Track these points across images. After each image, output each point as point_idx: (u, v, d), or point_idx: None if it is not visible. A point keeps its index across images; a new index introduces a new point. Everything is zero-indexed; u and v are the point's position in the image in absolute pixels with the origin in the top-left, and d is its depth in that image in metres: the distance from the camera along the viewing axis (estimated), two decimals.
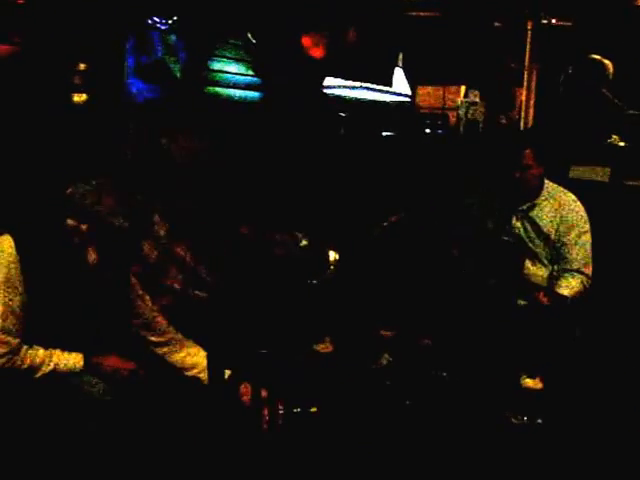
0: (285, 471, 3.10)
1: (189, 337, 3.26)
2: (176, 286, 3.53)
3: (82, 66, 4.24)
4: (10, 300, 2.63)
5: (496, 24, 6.86)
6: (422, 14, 6.75)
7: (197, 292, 3.59)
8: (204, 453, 3.07)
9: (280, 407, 3.10)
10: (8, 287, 2.63)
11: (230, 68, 5.16)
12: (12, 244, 2.66)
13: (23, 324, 2.69)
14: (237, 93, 5.21)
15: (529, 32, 6.85)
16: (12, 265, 2.64)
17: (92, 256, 2.78)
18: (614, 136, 5.74)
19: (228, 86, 5.12)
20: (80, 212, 2.74)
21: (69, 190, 2.78)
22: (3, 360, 2.64)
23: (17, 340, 2.67)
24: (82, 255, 2.75)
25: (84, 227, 2.74)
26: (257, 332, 3.70)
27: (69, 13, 4.10)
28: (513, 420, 3.62)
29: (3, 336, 2.63)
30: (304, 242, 4.21)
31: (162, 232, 3.59)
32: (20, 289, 2.66)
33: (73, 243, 2.74)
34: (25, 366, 2.69)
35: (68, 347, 2.80)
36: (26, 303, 2.68)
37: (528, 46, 6.83)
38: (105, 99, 4.32)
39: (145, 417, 2.95)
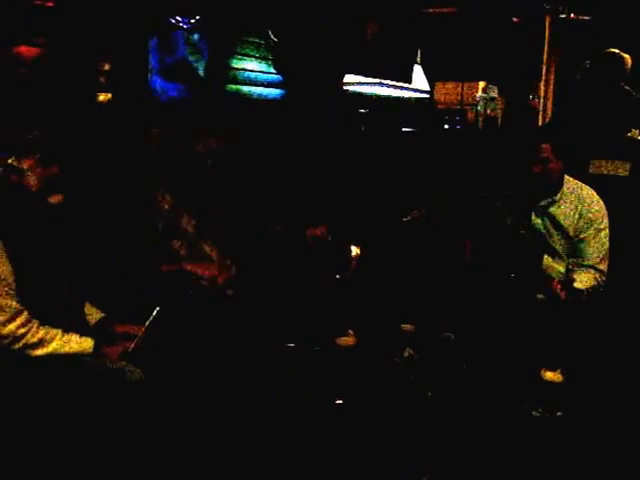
0: (312, 461, 3.16)
1: (215, 333, 3.33)
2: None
3: (106, 66, 4.26)
4: None
5: (514, 19, 6.85)
6: (440, 11, 6.74)
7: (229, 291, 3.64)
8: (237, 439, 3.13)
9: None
10: None
11: (251, 66, 5.20)
12: None
13: (16, 293, 2.72)
14: (258, 91, 5.26)
15: (547, 27, 6.84)
16: None
17: (57, 197, 2.86)
18: (633, 130, 5.72)
19: (249, 84, 5.17)
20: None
21: None
22: (11, 327, 2.67)
23: (17, 305, 2.70)
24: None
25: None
26: (282, 326, 3.76)
27: (93, 14, 4.13)
28: (533, 413, 3.64)
29: (2, 301, 2.66)
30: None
31: (190, 229, 3.65)
32: (4, 258, 2.69)
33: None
34: (34, 340, 2.71)
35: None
36: (13, 272, 2.71)
37: (546, 41, 6.81)
38: (129, 98, 4.36)
39: (178, 403, 3.01)
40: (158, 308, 2.94)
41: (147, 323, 2.94)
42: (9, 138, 2.82)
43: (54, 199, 2.89)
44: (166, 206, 3.60)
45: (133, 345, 2.91)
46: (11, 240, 2.72)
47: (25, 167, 2.81)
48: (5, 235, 2.71)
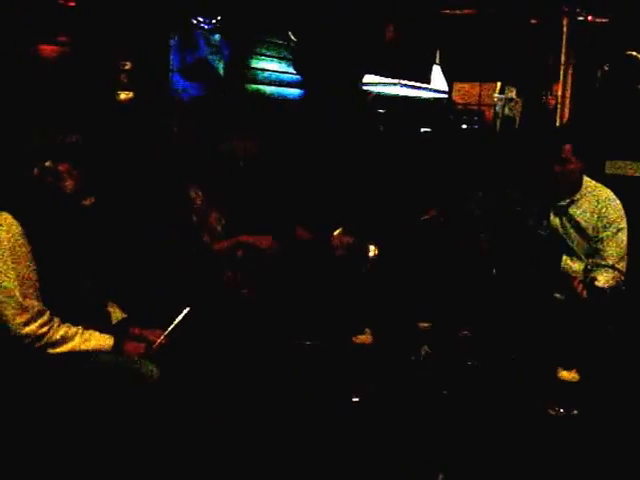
0: (329, 457, 3.19)
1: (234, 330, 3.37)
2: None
3: (128, 64, 4.30)
4: (21, 268, 2.72)
5: (532, 21, 6.84)
6: (458, 12, 6.75)
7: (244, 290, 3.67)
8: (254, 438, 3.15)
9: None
10: (16, 256, 2.71)
11: (271, 66, 5.24)
12: (12, 220, 2.74)
13: (40, 293, 2.77)
14: (278, 91, 5.29)
15: (565, 29, 6.83)
16: (15, 236, 2.73)
17: (89, 200, 2.92)
18: None
19: (269, 84, 5.20)
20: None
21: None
22: (33, 327, 2.72)
23: (40, 305, 2.75)
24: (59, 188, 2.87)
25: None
26: (301, 324, 3.79)
27: (115, 13, 4.17)
28: (549, 411, 3.66)
29: (25, 301, 2.71)
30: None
31: (219, 228, 3.69)
32: (30, 259, 2.75)
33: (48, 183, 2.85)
34: (55, 338, 2.76)
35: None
36: (39, 273, 2.77)
37: (564, 43, 6.80)
38: (150, 97, 4.40)
39: (197, 399, 3.05)
40: (188, 309, 2.96)
41: (175, 322, 2.96)
42: (43, 140, 2.86)
43: (87, 201, 2.95)
44: (198, 201, 3.65)
45: (157, 344, 2.94)
46: (40, 241, 2.78)
47: (62, 170, 2.86)
48: (34, 236, 2.77)
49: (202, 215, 3.63)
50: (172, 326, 2.96)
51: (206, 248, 3.61)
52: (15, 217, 2.74)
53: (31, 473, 2.69)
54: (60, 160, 2.85)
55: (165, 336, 2.95)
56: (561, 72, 6.64)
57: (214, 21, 4.66)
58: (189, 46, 4.60)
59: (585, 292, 3.92)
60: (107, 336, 2.88)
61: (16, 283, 2.70)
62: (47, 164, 2.83)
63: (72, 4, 3.95)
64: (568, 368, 3.93)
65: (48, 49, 3.89)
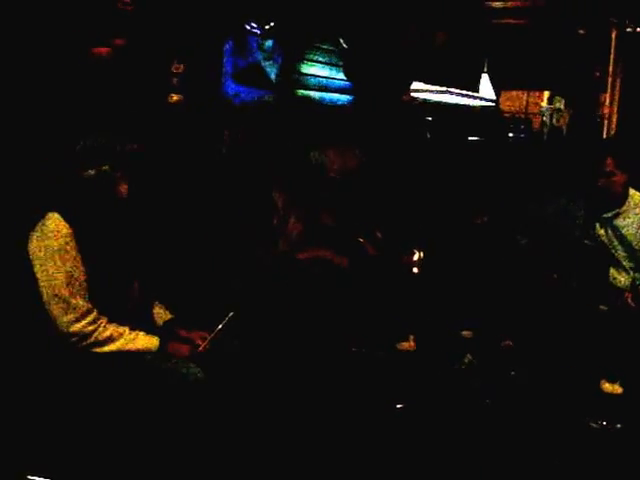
0: (372, 462, 3.21)
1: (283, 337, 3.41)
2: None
3: (180, 68, 4.35)
4: (69, 268, 2.77)
5: (580, 31, 6.82)
6: (508, 21, 6.74)
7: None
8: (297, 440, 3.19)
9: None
10: (64, 256, 2.77)
11: (322, 72, 5.28)
12: (62, 221, 2.80)
13: (88, 293, 2.82)
14: (329, 96, 5.33)
15: (614, 40, 6.79)
16: (64, 237, 2.78)
17: (123, 189, 2.95)
18: None
19: (320, 89, 5.24)
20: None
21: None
22: (79, 326, 2.77)
23: (87, 305, 2.80)
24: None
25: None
26: (347, 330, 3.81)
27: (171, 18, 4.23)
28: (592, 424, 3.63)
29: (73, 300, 2.76)
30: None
31: (295, 233, 3.71)
32: (77, 259, 2.80)
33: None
34: (102, 337, 2.81)
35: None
36: (87, 273, 2.82)
37: (612, 54, 6.76)
38: (203, 100, 4.45)
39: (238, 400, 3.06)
40: (232, 313, 2.99)
41: (220, 326, 2.99)
42: (103, 144, 2.91)
43: (140, 206, 3.03)
44: (280, 204, 3.67)
45: (202, 347, 2.97)
46: (88, 242, 2.84)
47: (118, 175, 2.92)
48: (83, 236, 2.83)
49: (281, 220, 3.66)
50: (217, 330, 2.99)
51: (282, 254, 3.63)
52: (64, 218, 2.80)
53: (73, 470, 2.76)
54: (118, 166, 2.90)
55: (210, 339, 2.98)
56: (609, 83, 6.60)
57: (267, 27, 4.72)
58: (242, 51, 4.66)
59: (635, 303, 3.91)
60: (153, 337, 2.92)
61: (64, 282, 2.76)
62: (105, 168, 2.88)
63: (129, 8, 4.01)
64: (612, 380, 3.91)
65: (104, 51, 3.94)
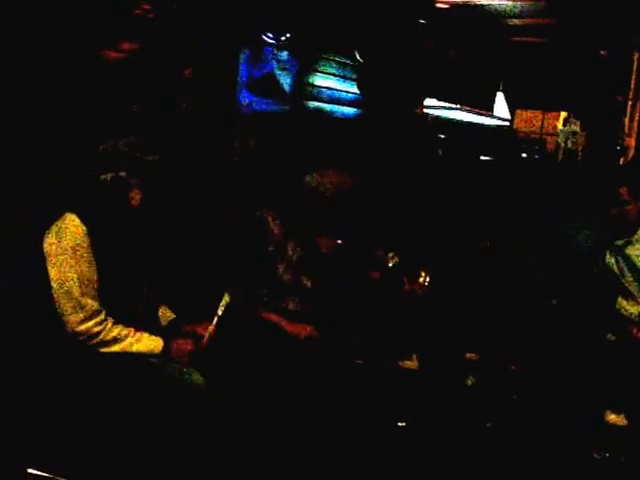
0: None
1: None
2: (290, 307, 3.63)
3: (192, 73, 4.36)
4: (82, 268, 2.80)
5: (601, 52, 6.76)
6: (525, 39, 6.69)
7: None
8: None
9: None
10: (78, 256, 2.80)
11: (336, 85, 5.27)
12: (78, 221, 2.83)
13: (98, 293, 2.85)
14: (341, 109, 5.32)
15: (635, 62, 6.72)
16: (79, 237, 2.81)
17: (137, 196, 2.95)
18: None
19: (333, 102, 5.24)
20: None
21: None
22: (87, 325, 2.80)
23: (97, 305, 2.83)
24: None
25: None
26: (350, 345, 3.78)
27: (189, 27, 4.23)
28: (595, 455, 3.60)
29: (83, 300, 2.80)
30: (395, 260, 4.24)
31: (294, 258, 3.69)
32: (91, 260, 2.83)
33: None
34: (109, 337, 2.85)
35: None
36: (99, 274, 2.85)
37: (633, 76, 6.68)
38: (217, 109, 4.45)
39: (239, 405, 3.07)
40: (228, 295, 3.01)
41: (219, 311, 3.01)
42: (123, 150, 2.93)
43: (152, 213, 3.03)
44: (276, 231, 3.63)
45: (206, 337, 2.99)
46: (102, 244, 2.86)
47: (134, 183, 2.94)
48: (97, 238, 2.85)
49: (279, 245, 3.63)
50: (217, 315, 3.01)
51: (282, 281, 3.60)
52: (81, 219, 2.84)
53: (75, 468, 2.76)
54: (135, 174, 2.93)
55: (213, 326, 3.00)
56: (628, 107, 6.52)
57: (283, 38, 4.72)
58: (257, 61, 4.67)
59: None
60: (157, 339, 2.95)
61: (76, 281, 2.80)
62: (122, 174, 2.91)
63: (151, 15, 4.01)
64: (617, 411, 3.88)
65: (119, 56, 3.95)
